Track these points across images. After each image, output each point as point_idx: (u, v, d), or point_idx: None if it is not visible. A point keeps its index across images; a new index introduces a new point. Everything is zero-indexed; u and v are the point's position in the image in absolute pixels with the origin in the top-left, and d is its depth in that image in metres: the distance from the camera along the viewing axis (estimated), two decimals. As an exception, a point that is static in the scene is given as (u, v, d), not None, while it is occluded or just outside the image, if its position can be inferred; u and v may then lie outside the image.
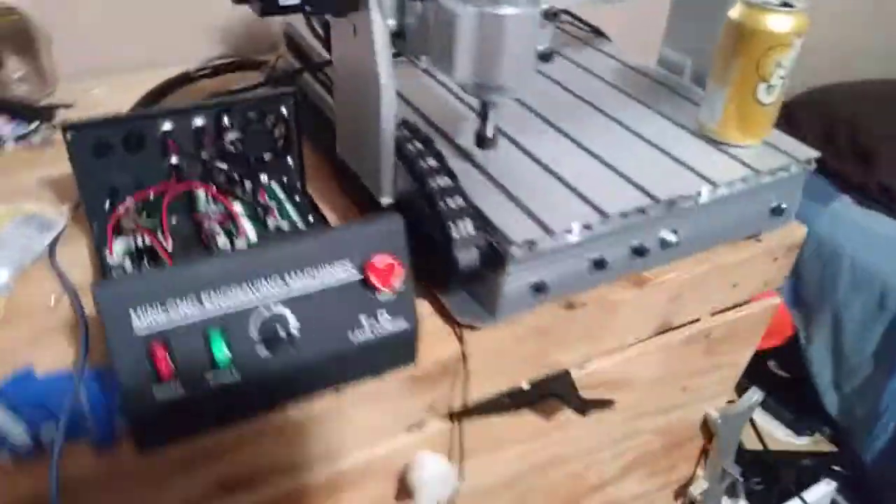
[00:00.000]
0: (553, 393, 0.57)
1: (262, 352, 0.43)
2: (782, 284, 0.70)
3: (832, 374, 1.13)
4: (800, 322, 1.17)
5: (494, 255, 0.50)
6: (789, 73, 0.56)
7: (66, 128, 0.53)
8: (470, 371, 0.53)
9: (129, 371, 0.40)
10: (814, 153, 0.60)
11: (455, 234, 0.50)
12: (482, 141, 0.54)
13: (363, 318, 0.45)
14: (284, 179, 0.61)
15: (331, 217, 0.60)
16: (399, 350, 0.48)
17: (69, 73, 0.79)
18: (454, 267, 0.50)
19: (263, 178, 0.61)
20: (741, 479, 1.02)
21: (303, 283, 0.43)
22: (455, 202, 0.51)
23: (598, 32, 0.80)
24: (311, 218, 0.58)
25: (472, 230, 0.50)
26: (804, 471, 1.08)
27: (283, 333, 0.43)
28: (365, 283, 0.44)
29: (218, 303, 0.41)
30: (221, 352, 0.41)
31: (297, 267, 0.43)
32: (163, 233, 0.53)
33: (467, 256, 0.50)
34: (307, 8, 0.49)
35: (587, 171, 0.56)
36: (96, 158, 0.54)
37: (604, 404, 0.59)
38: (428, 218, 0.51)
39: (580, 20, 0.81)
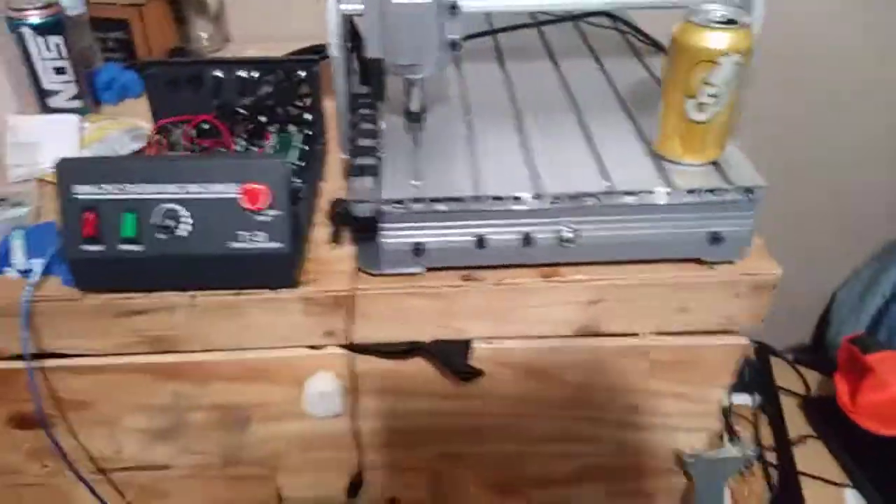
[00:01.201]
0: (425, 348, 0.62)
1: (161, 236, 0.57)
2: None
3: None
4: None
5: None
6: (724, 92, 0.54)
7: (143, 65, 0.72)
8: (367, 314, 0.62)
9: (68, 227, 0.57)
10: (758, 181, 0.56)
11: (354, 186, 0.59)
12: (409, 115, 0.61)
13: (242, 232, 0.57)
14: (309, 131, 0.75)
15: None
16: (277, 268, 0.59)
17: (240, 37, 1.02)
18: (351, 216, 0.59)
19: (292, 127, 0.75)
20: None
21: (197, 191, 0.56)
22: (367, 161, 0.59)
23: (656, 45, 0.79)
24: (302, 162, 0.70)
25: (371, 186, 0.58)
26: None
27: (176, 224, 0.56)
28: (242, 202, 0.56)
29: (133, 191, 0.56)
30: (130, 227, 0.56)
31: (195, 179, 0.56)
32: (183, 149, 0.70)
33: (360, 208, 0.59)
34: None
35: (505, 157, 0.60)
36: (167, 91, 0.73)
37: (478, 373, 0.63)
38: (351, 172, 0.61)
39: (641, 32, 0.80)
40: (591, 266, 0.61)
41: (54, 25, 0.76)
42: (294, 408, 0.67)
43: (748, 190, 0.56)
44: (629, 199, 0.56)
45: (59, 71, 0.78)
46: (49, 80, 0.78)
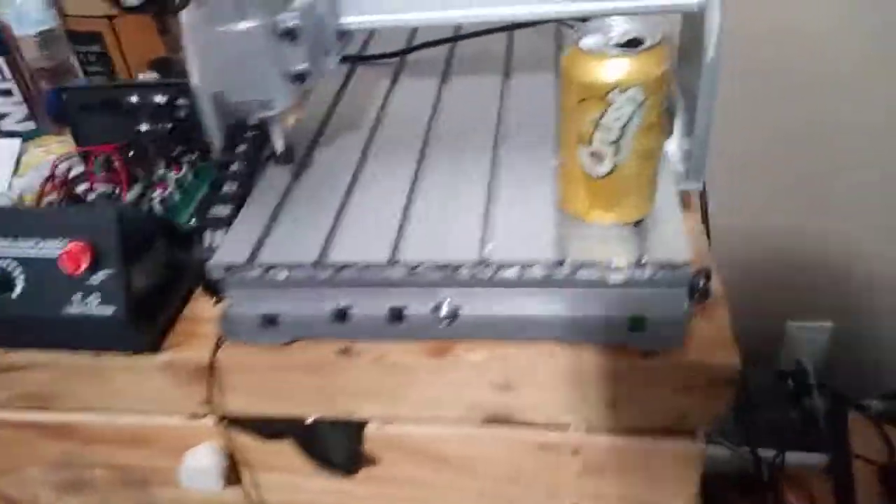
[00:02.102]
0: (297, 433, 0.53)
1: (-5, 295, 0.51)
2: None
3: None
4: None
5: (230, 273, 0.49)
6: (625, 136, 0.39)
7: (60, 89, 0.67)
8: (236, 386, 0.53)
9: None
10: (681, 255, 0.41)
11: (205, 243, 0.50)
12: (275, 158, 0.51)
13: (76, 294, 0.50)
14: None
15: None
16: (119, 334, 0.51)
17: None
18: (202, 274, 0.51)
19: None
20: None
21: (28, 247, 0.50)
22: (224, 210, 0.51)
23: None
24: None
25: (218, 243, 0.50)
26: None
27: (9, 283, 0.50)
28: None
29: (-35, 246, 0.51)
30: (-39, 285, 0.51)
31: (28, 234, 0.50)
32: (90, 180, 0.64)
33: (209, 268, 0.50)
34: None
35: (381, 212, 0.49)
36: (85, 115, 0.67)
37: (358, 466, 0.53)
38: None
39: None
40: (494, 343, 0.49)
41: (-5, 47, 0.73)
42: (185, 476, 0.60)
43: (670, 265, 0.41)
44: (509, 273, 0.43)
45: (6, 93, 0.75)
46: (-5, 103, 0.75)
